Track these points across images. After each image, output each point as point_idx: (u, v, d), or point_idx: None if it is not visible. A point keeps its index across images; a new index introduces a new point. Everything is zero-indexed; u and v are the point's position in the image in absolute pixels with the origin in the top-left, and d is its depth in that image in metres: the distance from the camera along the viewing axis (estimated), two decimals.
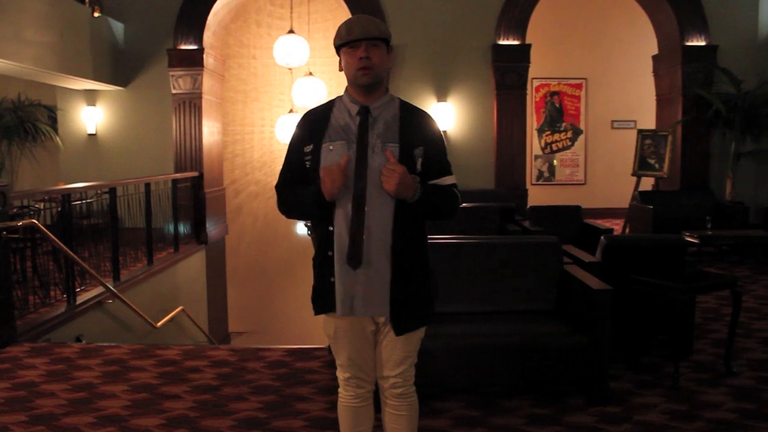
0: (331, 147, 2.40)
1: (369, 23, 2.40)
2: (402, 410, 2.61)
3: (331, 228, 2.41)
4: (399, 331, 2.48)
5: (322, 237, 2.47)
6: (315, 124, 2.47)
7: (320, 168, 2.35)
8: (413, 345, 2.58)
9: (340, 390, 2.66)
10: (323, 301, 2.49)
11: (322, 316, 2.57)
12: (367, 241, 2.39)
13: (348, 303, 2.44)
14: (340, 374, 2.63)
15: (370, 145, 2.40)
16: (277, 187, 2.58)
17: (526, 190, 10.20)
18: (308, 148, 2.44)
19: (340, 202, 2.39)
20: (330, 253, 2.43)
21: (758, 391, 4.15)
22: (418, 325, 2.54)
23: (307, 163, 2.44)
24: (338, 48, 2.45)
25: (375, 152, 2.39)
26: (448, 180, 2.54)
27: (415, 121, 2.48)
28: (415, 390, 2.65)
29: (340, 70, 2.45)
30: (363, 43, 2.38)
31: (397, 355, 2.54)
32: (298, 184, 2.49)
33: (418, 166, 2.43)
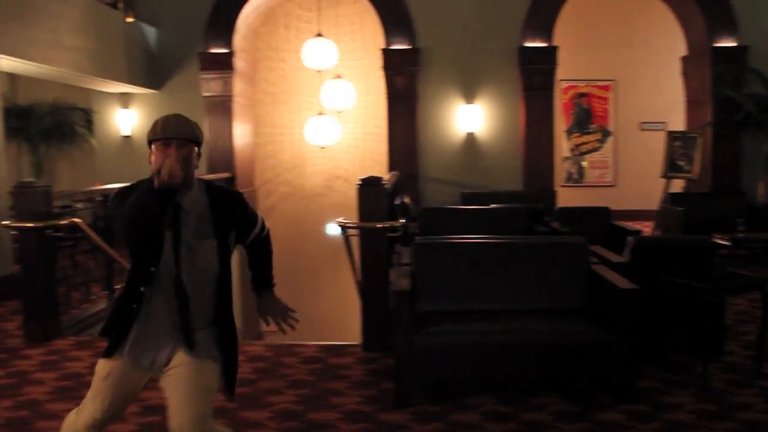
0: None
1: (184, 124, 2.42)
2: None
3: (142, 289, 2.42)
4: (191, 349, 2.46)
5: (131, 286, 2.46)
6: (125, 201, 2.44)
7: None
8: (210, 381, 2.47)
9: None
10: (117, 339, 2.47)
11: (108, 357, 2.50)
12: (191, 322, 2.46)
13: (148, 356, 2.47)
14: (89, 415, 2.50)
15: (184, 241, 2.41)
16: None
17: (555, 192, 10.23)
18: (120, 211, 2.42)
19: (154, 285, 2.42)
20: (142, 289, 2.43)
21: None
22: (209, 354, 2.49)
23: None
24: (149, 142, 2.43)
25: (192, 246, 2.42)
26: (258, 225, 2.73)
27: (225, 208, 2.52)
28: None
29: (149, 162, 2.41)
30: (174, 141, 2.37)
31: (193, 388, 2.42)
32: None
33: (232, 245, 2.59)
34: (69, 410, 3.66)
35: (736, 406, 3.96)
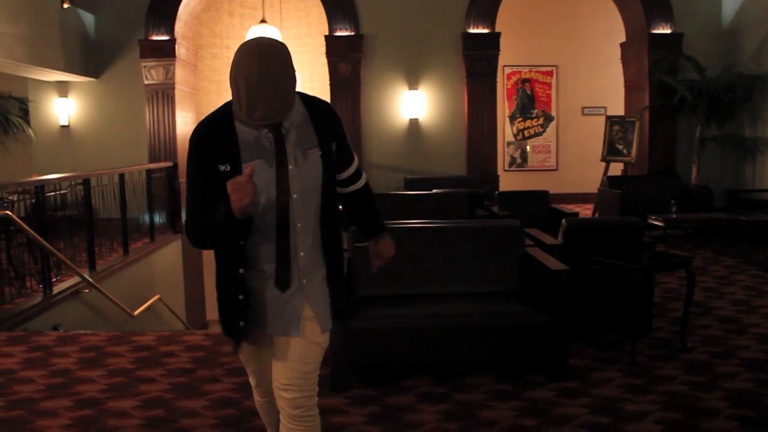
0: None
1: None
2: None
3: (242, 242, 2.25)
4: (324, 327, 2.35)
5: (229, 252, 2.28)
6: (223, 142, 2.23)
7: (228, 183, 2.09)
8: (317, 349, 2.35)
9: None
10: (233, 324, 2.32)
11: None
12: (295, 260, 2.27)
13: (275, 321, 2.30)
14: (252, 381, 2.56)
15: (290, 157, 2.22)
16: (188, 220, 2.28)
17: (498, 176, 10.38)
18: (224, 167, 2.20)
19: (260, 219, 2.22)
20: (241, 271, 2.27)
21: (709, 365, 4.37)
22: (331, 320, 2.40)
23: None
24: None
25: (298, 162, 2.23)
26: (355, 164, 2.47)
27: (323, 117, 2.31)
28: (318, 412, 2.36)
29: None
30: None
31: (298, 355, 2.30)
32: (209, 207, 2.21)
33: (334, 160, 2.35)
34: None
35: (660, 379, 4.13)
